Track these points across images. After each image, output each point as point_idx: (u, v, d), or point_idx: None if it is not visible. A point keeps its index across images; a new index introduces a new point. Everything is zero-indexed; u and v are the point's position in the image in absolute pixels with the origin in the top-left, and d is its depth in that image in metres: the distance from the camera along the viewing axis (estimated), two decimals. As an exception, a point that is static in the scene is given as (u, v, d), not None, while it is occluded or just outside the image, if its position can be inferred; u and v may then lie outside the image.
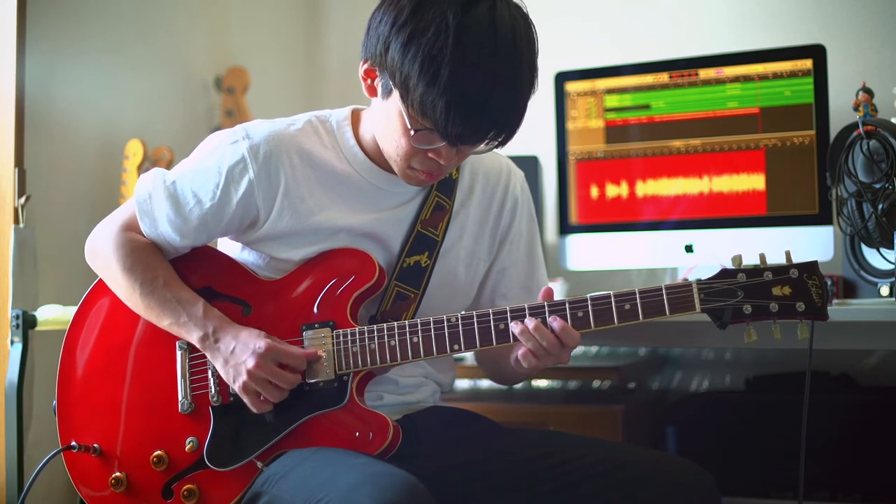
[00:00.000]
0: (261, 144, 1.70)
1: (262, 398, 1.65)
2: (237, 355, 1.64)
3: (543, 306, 1.61)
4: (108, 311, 1.80)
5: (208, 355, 1.69)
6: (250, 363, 1.62)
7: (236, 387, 1.65)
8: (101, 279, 1.80)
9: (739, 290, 1.56)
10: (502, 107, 1.57)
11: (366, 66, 1.64)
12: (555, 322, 1.60)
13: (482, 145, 1.62)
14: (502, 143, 1.63)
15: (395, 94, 1.59)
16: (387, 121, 1.64)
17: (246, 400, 1.65)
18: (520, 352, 1.63)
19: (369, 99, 1.70)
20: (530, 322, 1.60)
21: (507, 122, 1.59)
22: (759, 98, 2.26)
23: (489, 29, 1.53)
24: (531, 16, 1.62)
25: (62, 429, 1.78)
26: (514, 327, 1.61)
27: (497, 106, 1.56)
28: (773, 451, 2.37)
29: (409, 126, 1.59)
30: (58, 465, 1.79)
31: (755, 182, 2.26)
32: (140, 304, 1.73)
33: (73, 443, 1.76)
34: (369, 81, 1.65)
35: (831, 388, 2.47)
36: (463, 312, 1.64)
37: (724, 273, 1.58)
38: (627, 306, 1.59)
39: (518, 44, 1.56)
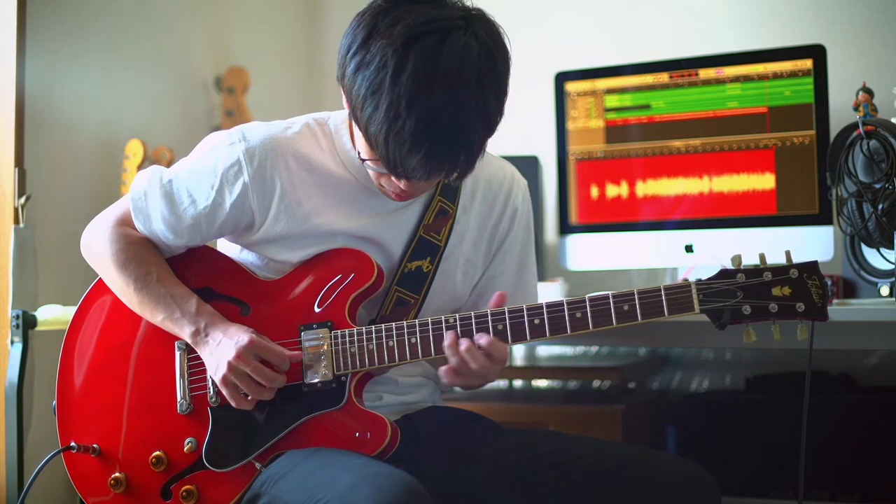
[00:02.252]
0: (257, 148, 1.70)
1: (241, 393, 1.65)
2: (221, 347, 1.65)
3: (542, 307, 1.61)
4: (107, 312, 1.80)
5: (198, 350, 1.69)
6: (231, 355, 1.62)
7: (217, 379, 1.65)
8: (99, 280, 1.81)
9: (739, 291, 1.56)
10: (444, 142, 1.51)
11: (340, 86, 1.62)
12: (482, 339, 1.60)
13: (434, 180, 1.58)
14: (458, 178, 1.58)
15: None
16: (357, 145, 1.65)
17: (225, 393, 1.65)
18: (442, 368, 1.64)
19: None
20: (464, 342, 1.60)
21: (451, 157, 1.53)
22: (767, 97, 2.25)
23: (429, 64, 1.47)
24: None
25: (62, 429, 1.78)
26: (447, 338, 1.61)
27: (437, 142, 1.50)
28: (773, 451, 2.37)
29: (361, 155, 1.60)
30: (58, 465, 1.79)
31: (761, 182, 2.26)
32: (134, 299, 1.73)
33: (73, 443, 1.76)
34: (343, 99, 1.63)
35: (831, 388, 2.46)
36: (460, 313, 1.64)
37: (724, 273, 1.57)
38: (626, 307, 1.58)
39: (463, 79, 1.48)
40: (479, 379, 1.65)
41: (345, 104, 1.63)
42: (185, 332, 1.69)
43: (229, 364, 1.63)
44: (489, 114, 1.54)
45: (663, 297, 1.57)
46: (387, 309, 1.74)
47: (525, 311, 1.62)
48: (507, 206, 1.84)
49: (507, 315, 1.62)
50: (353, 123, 1.59)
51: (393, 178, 1.60)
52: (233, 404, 1.66)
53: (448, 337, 1.61)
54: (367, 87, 1.51)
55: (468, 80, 1.49)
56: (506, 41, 1.57)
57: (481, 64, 1.51)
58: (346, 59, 1.55)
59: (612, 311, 1.59)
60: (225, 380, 1.65)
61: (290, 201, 1.70)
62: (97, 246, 1.77)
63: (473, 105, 1.51)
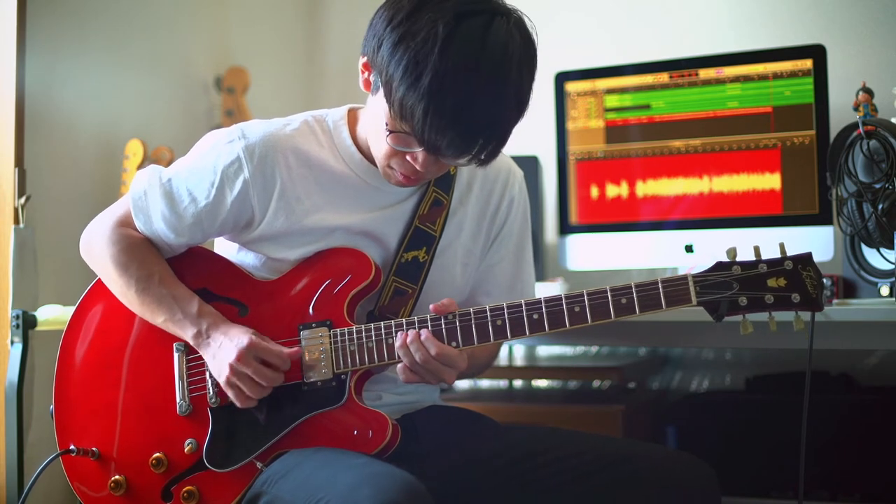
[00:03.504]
0: (256, 145, 1.70)
1: (244, 394, 1.65)
2: (223, 350, 1.65)
3: (540, 302, 1.61)
4: (105, 314, 1.80)
5: (201, 352, 1.69)
6: (232, 357, 1.63)
7: (220, 381, 1.66)
8: (96, 283, 1.81)
9: (735, 283, 1.57)
10: (480, 122, 1.54)
11: (364, 59, 1.64)
12: (423, 332, 1.61)
13: (462, 159, 1.59)
14: (484, 161, 1.61)
15: (381, 92, 1.59)
16: (374, 117, 1.64)
17: (230, 395, 1.66)
18: (399, 366, 1.64)
19: (367, 97, 1.69)
20: (411, 335, 1.61)
21: (484, 138, 1.56)
22: (772, 97, 2.25)
23: (478, 43, 1.51)
24: (531, 16, 1.61)
25: (60, 432, 1.77)
26: (398, 338, 1.62)
27: (474, 120, 1.53)
28: (773, 451, 2.37)
29: (388, 126, 1.60)
30: (57, 466, 1.78)
31: (765, 181, 2.26)
32: (135, 301, 1.73)
33: (72, 446, 1.76)
34: (365, 75, 1.64)
35: (831, 388, 2.46)
36: (459, 310, 1.64)
37: (720, 266, 1.58)
38: (624, 300, 1.59)
39: (507, 63, 1.53)
40: (433, 377, 1.64)
41: (361, 81, 1.64)
42: (187, 334, 1.69)
43: (230, 366, 1.63)
44: (524, 101, 1.58)
45: (661, 290, 1.57)
46: (385, 300, 1.74)
47: (524, 306, 1.62)
48: (504, 195, 1.85)
49: (505, 310, 1.62)
50: (383, 96, 1.58)
51: (408, 158, 1.61)
52: (238, 405, 1.66)
53: (399, 338, 1.63)
54: (410, 57, 1.51)
55: (511, 65, 1.54)
56: (535, 37, 1.61)
57: (522, 52, 1.55)
58: (385, 30, 1.55)
59: (611, 304, 1.59)
60: (228, 382, 1.65)
61: (289, 198, 1.70)
62: (97, 247, 1.76)
63: (514, 90, 1.55)
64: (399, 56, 1.53)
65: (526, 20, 1.60)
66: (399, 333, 1.63)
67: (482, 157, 1.59)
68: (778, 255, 1.57)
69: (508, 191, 1.85)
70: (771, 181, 2.26)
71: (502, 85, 1.54)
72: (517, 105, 1.57)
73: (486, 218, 1.84)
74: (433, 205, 1.77)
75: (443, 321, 1.64)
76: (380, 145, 1.65)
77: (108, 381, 1.76)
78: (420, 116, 1.52)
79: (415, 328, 1.64)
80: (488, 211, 1.84)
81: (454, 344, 1.63)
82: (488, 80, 1.52)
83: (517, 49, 1.55)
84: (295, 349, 1.67)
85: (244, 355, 1.63)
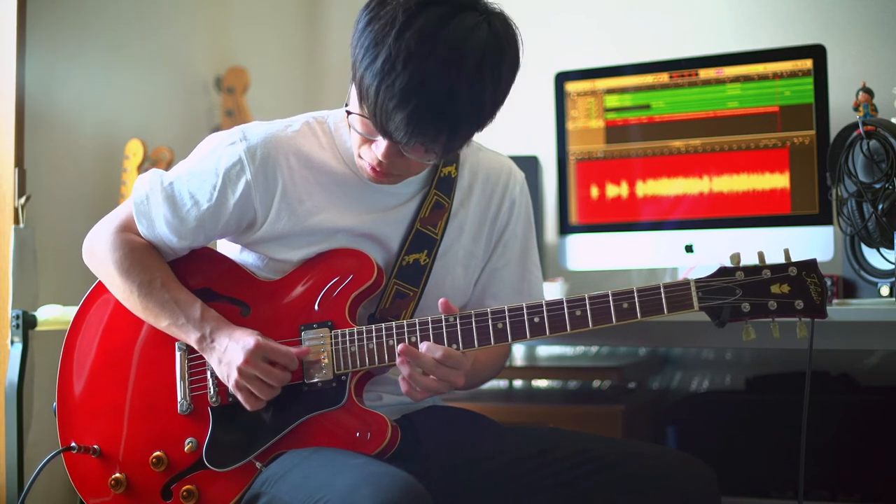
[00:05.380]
0: (258, 146, 1.70)
1: (254, 395, 1.65)
2: (229, 353, 1.65)
3: (541, 306, 1.61)
4: (108, 314, 1.80)
5: (205, 356, 1.69)
6: (240, 360, 1.63)
7: (230, 385, 1.66)
8: (99, 282, 1.81)
9: (738, 289, 1.56)
10: (429, 108, 1.51)
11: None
12: (423, 345, 1.60)
13: (416, 149, 1.57)
14: (440, 156, 1.60)
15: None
16: (350, 104, 1.65)
17: (239, 397, 1.66)
18: (403, 388, 1.63)
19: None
20: (409, 350, 1.59)
21: (434, 127, 1.53)
22: (779, 97, 2.25)
23: (434, 29, 1.49)
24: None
25: (62, 430, 1.78)
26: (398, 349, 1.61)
27: (423, 105, 1.50)
28: (773, 451, 2.37)
29: (350, 108, 1.60)
30: (58, 465, 1.79)
31: (771, 181, 2.25)
32: (138, 305, 1.73)
33: (73, 444, 1.76)
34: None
35: (831, 388, 2.47)
36: (461, 312, 1.64)
37: (723, 271, 1.57)
38: (625, 305, 1.58)
39: (465, 54, 1.50)
40: (443, 385, 1.63)
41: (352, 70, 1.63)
42: (190, 339, 1.69)
43: (239, 370, 1.63)
44: (481, 103, 1.55)
45: (662, 295, 1.57)
46: (386, 302, 1.74)
47: (525, 310, 1.62)
48: (504, 197, 1.84)
49: (506, 313, 1.62)
50: (351, 81, 1.59)
51: (372, 147, 1.61)
52: (248, 407, 1.66)
53: (399, 349, 1.61)
54: (371, 39, 1.52)
55: (468, 59, 1.51)
56: (519, 48, 1.58)
57: (486, 53, 1.52)
58: (360, 15, 1.56)
59: (612, 309, 1.59)
60: (238, 385, 1.65)
61: (291, 199, 1.70)
62: (100, 253, 1.76)
63: (467, 86, 1.52)
64: (363, 39, 1.53)
65: (511, 26, 1.57)
66: (400, 345, 1.61)
67: (436, 149, 1.57)
68: (782, 260, 1.56)
69: (509, 193, 1.85)
70: (772, 181, 2.26)
71: (456, 73, 1.50)
72: (472, 104, 1.54)
73: (487, 220, 1.84)
74: (434, 207, 1.77)
75: (444, 324, 1.64)
76: (351, 133, 1.66)
77: (110, 380, 1.77)
78: (373, 96, 1.52)
79: (415, 333, 1.64)
80: (489, 213, 1.84)
81: (454, 346, 1.63)
82: (440, 67, 1.50)
83: (481, 45, 1.51)
84: (304, 348, 1.67)
85: (252, 357, 1.63)
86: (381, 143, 1.59)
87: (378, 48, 1.51)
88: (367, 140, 1.62)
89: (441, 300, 1.64)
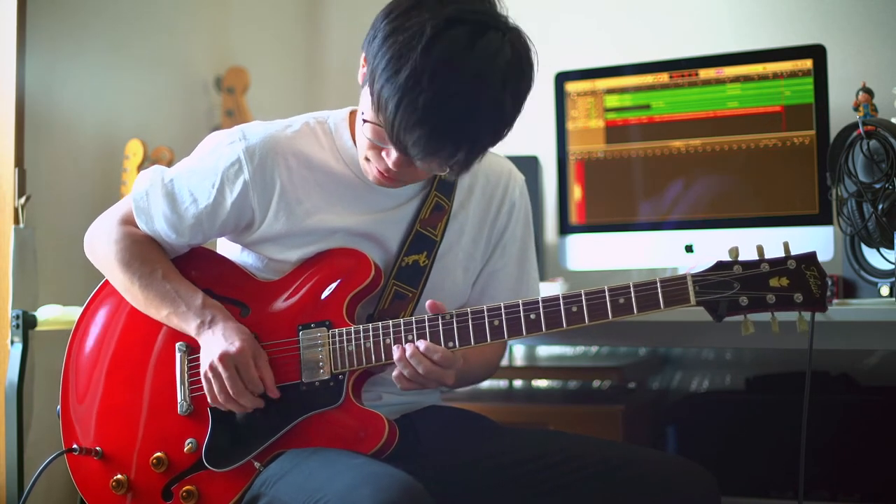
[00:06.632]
0: (257, 147, 1.70)
1: (213, 392, 1.66)
2: (212, 343, 1.66)
3: (537, 302, 1.61)
4: (111, 316, 1.81)
5: (200, 341, 1.69)
6: (215, 355, 1.64)
7: (201, 370, 1.67)
8: (103, 284, 1.82)
9: (735, 282, 1.54)
10: (450, 126, 1.51)
11: (363, 52, 1.64)
12: (420, 344, 1.60)
13: (431, 164, 1.57)
14: (454, 171, 1.59)
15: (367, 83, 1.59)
16: (361, 107, 1.64)
17: (203, 386, 1.67)
18: (394, 374, 1.63)
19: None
20: (409, 347, 1.60)
21: (452, 144, 1.53)
22: (783, 97, 2.25)
23: (461, 47, 1.49)
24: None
25: (65, 432, 1.79)
26: (395, 351, 1.61)
27: (444, 123, 1.50)
28: (773, 451, 2.37)
29: (365, 116, 1.60)
30: (58, 466, 1.79)
31: (767, 181, 2.25)
32: (139, 296, 1.74)
33: (75, 446, 1.77)
34: (364, 69, 1.64)
35: (831, 388, 2.46)
36: (457, 310, 1.64)
37: (720, 265, 1.56)
38: (622, 300, 1.57)
39: (489, 74, 1.50)
40: (433, 382, 1.64)
41: (360, 74, 1.62)
42: (190, 326, 1.70)
43: (210, 362, 1.65)
44: (502, 120, 1.56)
45: (659, 290, 1.56)
46: (385, 303, 1.74)
47: (521, 306, 1.61)
48: (504, 200, 1.84)
49: (503, 310, 1.62)
50: (366, 87, 1.58)
51: (382, 154, 1.61)
52: (208, 399, 1.67)
53: (396, 352, 1.61)
54: (394, 51, 1.51)
55: (494, 78, 1.51)
56: (534, 67, 1.58)
57: (509, 71, 1.53)
58: (381, 24, 1.55)
59: (608, 304, 1.58)
60: (204, 375, 1.66)
61: (289, 199, 1.71)
62: (101, 246, 1.77)
63: (491, 103, 1.53)
64: (385, 49, 1.52)
65: (528, 45, 1.57)
66: (396, 347, 1.62)
67: (451, 164, 1.57)
68: (781, 254, 1.55)
69: (509, 195, 1.85)
70: (772, 180, 2.26)
71: (480, 94, 1.51)
72: (494, 121, 1.55)
73: (486, 222, 1.84)
74: (434, 209, 1.77)
75: (440, 322, 1.64)
76: (360, 137, 1.65)
77: (112, 382, 1.77)
78: (392, 110, 1.51)
79: (412, 331, 1.64)
80: (489, 215, 1.84)
81: (451, 344, 1.63)
82: (465, 86, 1.50)
83: (504, 65, 1.52)
84: (276, 391, 1.66)
85: (225, 358, 1.63)
86: (392, 154, 1.59)
87: (402, 62, 1.50)
88: (377, 146, 1.62)
89: (428, 302, 1.64)
